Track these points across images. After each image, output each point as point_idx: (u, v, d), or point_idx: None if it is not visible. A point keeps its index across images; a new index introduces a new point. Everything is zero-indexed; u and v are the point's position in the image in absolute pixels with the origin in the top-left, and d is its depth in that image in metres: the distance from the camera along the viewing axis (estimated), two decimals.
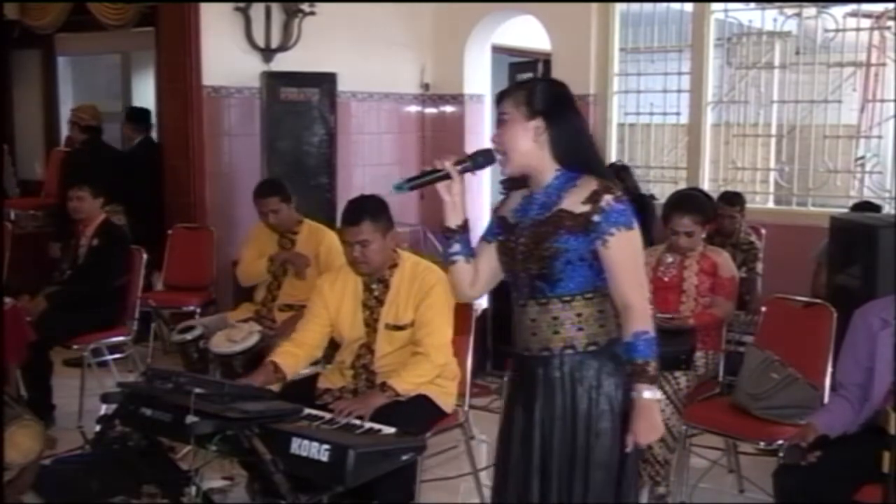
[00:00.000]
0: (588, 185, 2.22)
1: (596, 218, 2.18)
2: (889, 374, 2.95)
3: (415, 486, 3.34)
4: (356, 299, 3.46)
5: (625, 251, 2.20)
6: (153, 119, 7.10)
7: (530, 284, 2.27)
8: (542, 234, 2.24)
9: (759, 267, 5.28)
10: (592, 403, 2.25)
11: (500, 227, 2.39)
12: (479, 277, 2.41)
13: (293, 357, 3.41)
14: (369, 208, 3.38)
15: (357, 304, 3.46)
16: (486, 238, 2.45)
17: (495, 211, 2.47)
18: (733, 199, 5.38)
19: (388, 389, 3.23)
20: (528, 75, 9.29)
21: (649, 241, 4.42)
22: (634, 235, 2.23)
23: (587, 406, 2.25)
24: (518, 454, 2.31)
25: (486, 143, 8.67)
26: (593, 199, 2.20)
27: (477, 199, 7.69)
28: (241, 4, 6.30)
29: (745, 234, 5.38)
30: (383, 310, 3.42)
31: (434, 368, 3.35)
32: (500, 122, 2.29)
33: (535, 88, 2.30)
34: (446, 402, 3.48)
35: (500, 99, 2.33)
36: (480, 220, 8.75)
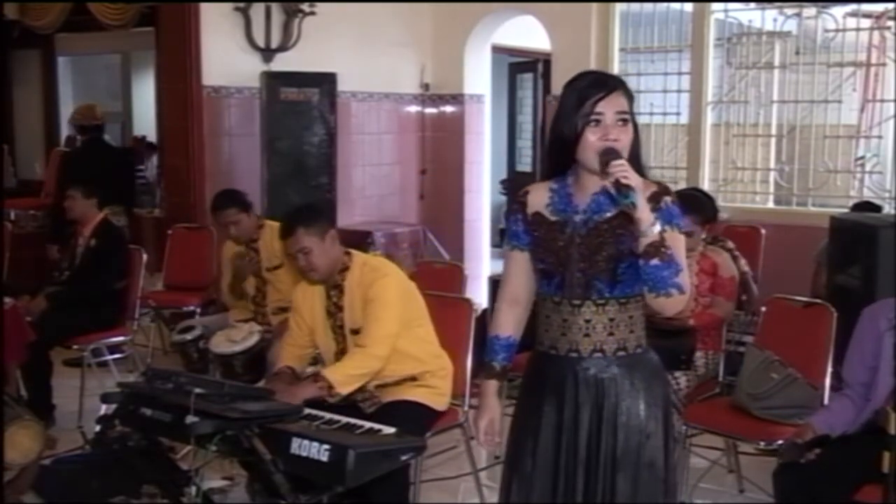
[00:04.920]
0: (648, 186, 2.18)
1: (655, 216, 2.16)
2: (891, 375, 2.95)
3: (409, 489, 3.32)
4: (322, 308, 3.46)
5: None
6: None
7: (586, 284, 2.22)
8: (606, 235, 2.21)
9: (743, 264, 5.21)
10: (644, 405, 2.26)
11: (534, 224, 2.31)
12: (530, 288, 2.38)
13: (298, 359, 3.52)
14: (300, 216, 3.40)
15: (323, 312, 3.46)
16: (518, 247, 2.37)
17: (519, 209, 2.36)
18: None
19: (320, 380, 3.19)
20: (529, 75, 9.33)
21: None
22: (682, 239, 2.22)
23: (639, 408, 2.25)
24: (552, 455, 2.28)
25: (487, 143, 8.62)
26: (654, 199, 2.17)
27: (477, 198, 7.71)
28: (241, 4, 6.30)
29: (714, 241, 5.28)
30: (344, 315, 3.41)
31: (374, 360, 3.28)
32: (625, 121, 2.20)
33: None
34: (438, 401, 3.47)
35: (609, 92, 2.19)
36: (480, 221, 8.73)
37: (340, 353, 3.43)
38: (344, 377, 3.21)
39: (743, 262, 5.18)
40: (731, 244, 5.21)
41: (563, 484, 2.27)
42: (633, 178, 2.08)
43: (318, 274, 3.38)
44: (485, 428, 2.45)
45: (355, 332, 3.37)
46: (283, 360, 3.52)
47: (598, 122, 2.18)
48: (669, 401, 2.39)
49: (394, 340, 3.32)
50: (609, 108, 2.18)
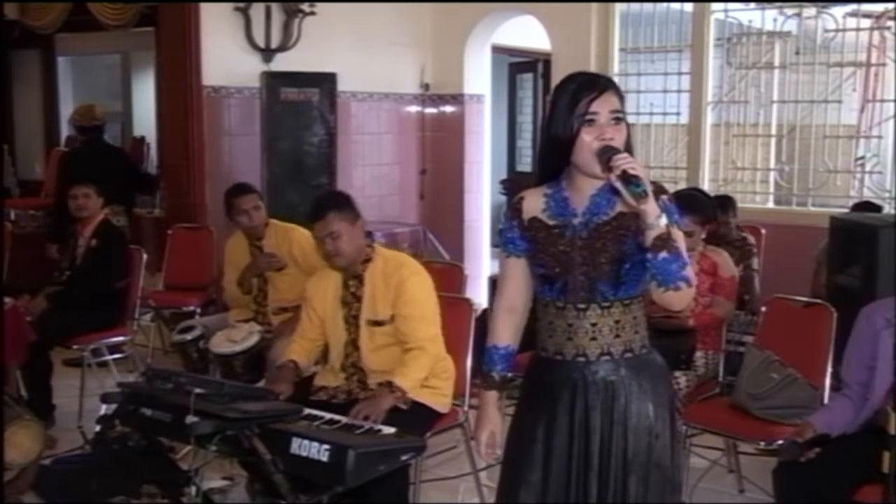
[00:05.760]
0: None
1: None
2: (890, 374, 2.95)
3: (409, 489, 3.32)
4: (336, 297, 3.49)
5: None
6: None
7: (589, 287, 2.21)
8: (608, 236, 2.20)
9: (756, 263, 5.24)
10: (652, 406, 2.26)
11: (532, 230, 2.29)
12: (527, 295, 2.39)
13: (306, 352, 3.55)
14: (332, 201, 3.47)
15: (337, 302, 3.49)
16: (514, 254, 2.35)
17: (514, 216, 2.33)
18: (726, 205, 5.24)
19: (395, 390, 3.24)
20: (529, 75, 9.33)
21: None
22: (682, 235, 2.20)
23: (648, 409, 2.25)
24: (564, 460, 2.26)
25: (487, 143, 8.61)
26: (653, 197, 2.13)
27: (477, 198, 7.71)
28: (241, 4, 6.30)
29: (736, 232, 5.33)
30: (362, 306, 3.43)
31: (432, 360, 3.38)
32: (619, 120, 2.19)
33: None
34: (441, 402, 3.48)
35: (601, 91, 2.17)
36: (480, 221, 8.72)
37: (351, 344, 3.45)
38: (414, 382, 3.30)
39: (755, 260, 5.19)
40: (751, 239, 5.24)
41: (575, 487, 2.26)
42: (639, 169, 2.08)
43: (343, 259, 3.40)
44: (486, 440, 2.46)
45: (376, 323, 3.40)
46: (290, 354, 3.53)
47: (592, 121, 2.17)
48: (674, 401, 2.40)
49: (441, 339, 3.44)
50: (603, 107, 2.17)
